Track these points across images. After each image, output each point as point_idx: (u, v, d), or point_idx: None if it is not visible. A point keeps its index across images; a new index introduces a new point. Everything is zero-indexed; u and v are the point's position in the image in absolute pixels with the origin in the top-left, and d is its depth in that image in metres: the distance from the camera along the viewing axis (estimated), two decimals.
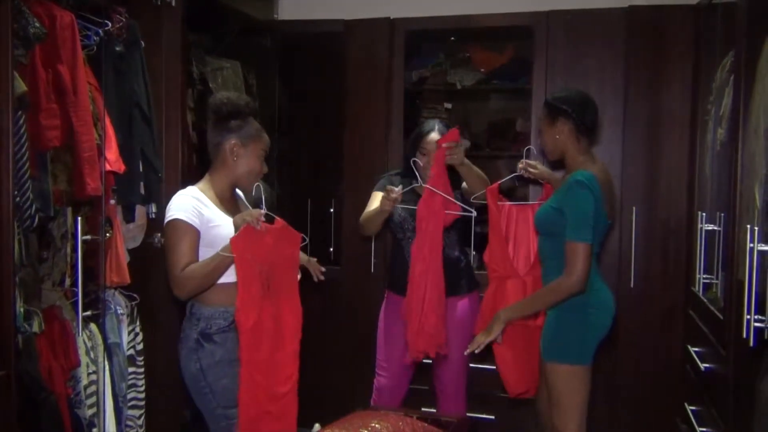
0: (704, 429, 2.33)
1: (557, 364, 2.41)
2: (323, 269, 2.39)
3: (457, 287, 2.75)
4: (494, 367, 3.24)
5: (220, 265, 2.12)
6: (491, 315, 2.45)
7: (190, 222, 2.14)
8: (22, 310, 2.24)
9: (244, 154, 2.25)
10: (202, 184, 2.29)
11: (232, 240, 2.08)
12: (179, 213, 2.14)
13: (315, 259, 2.41)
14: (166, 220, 2.17)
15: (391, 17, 3.58)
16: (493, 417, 3.31)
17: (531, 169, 2.65)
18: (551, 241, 2.42)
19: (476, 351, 2.35)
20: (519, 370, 2.64)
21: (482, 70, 3.80)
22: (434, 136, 2.70)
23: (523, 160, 2.68)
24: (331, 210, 3.68)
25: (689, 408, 2.56)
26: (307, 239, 2.29)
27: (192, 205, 2.17)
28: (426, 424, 2.34)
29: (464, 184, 2.77)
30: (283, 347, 2.22)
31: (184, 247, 2.12)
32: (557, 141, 2.44)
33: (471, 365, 2.98)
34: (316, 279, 2.39)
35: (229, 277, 2.18)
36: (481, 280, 2.93)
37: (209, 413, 2.24)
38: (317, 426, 2.91)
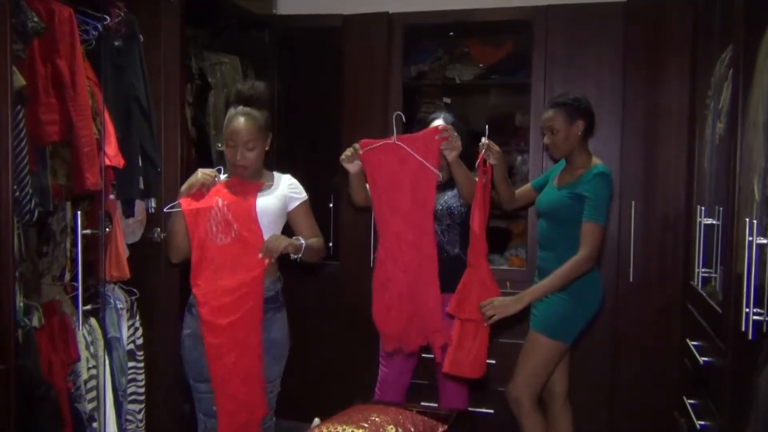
0: (703, 422, 2.34)
1: (541, 335, 2.66)
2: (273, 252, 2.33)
3: (455, 284, 2.70)
4: (494, 361, 3.26)
5: (170, 220, 2.38)
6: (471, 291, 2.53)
7: None
8: (21, 304, 2.24)
9: (224, 137, 2.39)
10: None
11: (181, 199, 2.33)
12: None
13: (283, 244, 2.34)
14: None
15: (390, 12, 3.58)
16: (492, 411, 3.32)
17: (493, 147, 2.59)
18: (561, 226, 2.64)
19: (487, 323, 2.47)
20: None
21: (481, 64, 3.80)
22: (438, 122, 2.72)
23: (487, 140, 2.58)
24: (330, 205, 3.68)
25: (688, 401, 2.57)
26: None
27: None
28: (426, 418, 2.35)
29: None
30: (234, 281, 2.32)
31: None
32: (575, 139, 2.63)
33: None
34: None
35: None
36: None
37: (188, 382, 2.44)
38: (317, 420, 2.92)
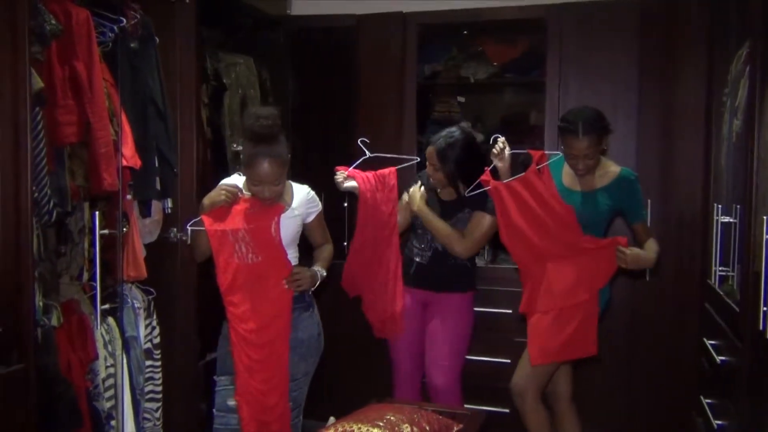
0: (720, 422, 2.32)
1: None
2: (297, 284, 2.42)
3: (453, 284, 2.86)
4: (509, 360, 3.25)
5: (194, 233, 2.42)
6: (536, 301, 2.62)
7: None
8: (41, 303, 2.26)
9: (245, 174, 2.36)
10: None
11: (203, 216, 2.35)
12: None
13: (303, 274, 2.43)
14: None
15: (404, 11, 3.59)
16: (507, 410, 3.31)
17: (507, 154, 2.70)
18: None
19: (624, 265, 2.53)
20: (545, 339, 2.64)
21: (495, 63, 3.79)
22: (429, 149, 2.80)
23: (504, 142, 2.71)
24: (345, 204, 3.68)
25: (705, 401, 2.55)
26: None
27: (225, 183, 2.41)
28: (440, 417, 2.35)
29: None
30: (262, 313, 2.37)
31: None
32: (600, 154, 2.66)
33: (483, 359, 2.99)
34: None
35: None
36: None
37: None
38: (332, 419, 2.93)
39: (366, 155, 2.90)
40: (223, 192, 2.34)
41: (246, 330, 2.36)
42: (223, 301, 2.38)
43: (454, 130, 2.79)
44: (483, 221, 2.76)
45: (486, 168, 2.69)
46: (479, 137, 3.44)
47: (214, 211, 2.36)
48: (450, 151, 2.73)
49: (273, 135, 2.26)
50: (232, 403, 2.40)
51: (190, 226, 2.37)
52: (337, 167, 2.93)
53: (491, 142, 2.73)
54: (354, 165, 2.91)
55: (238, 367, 2.37)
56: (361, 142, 2.90)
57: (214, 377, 2.49)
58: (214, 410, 2.49)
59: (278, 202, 2.39)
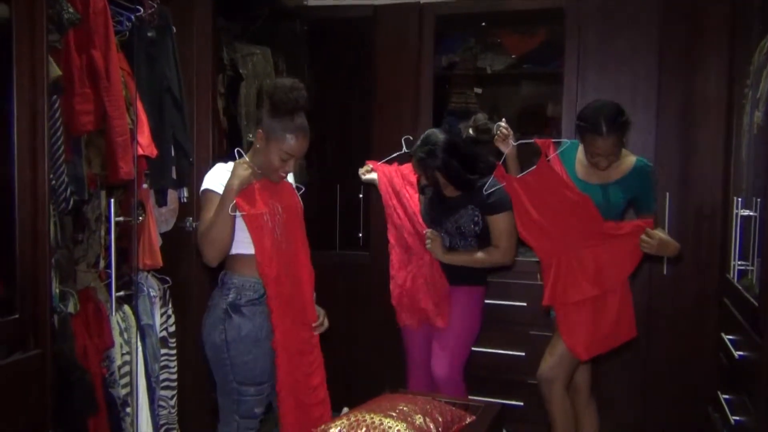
0: (737, 418, 2.29)
1: None
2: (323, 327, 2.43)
3: (462, 278, 2.84)
4: (523, 353, 3.25)
5: (220, 220, 2.14)
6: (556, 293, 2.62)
7: (215, 190, 2.21)
8: (57, 290, 2.29)
9: (265, 147, 2.23)
10: (246, 156, 2.30)
11: (237, 200, 2.14)
12: (207, 183, 2.25)
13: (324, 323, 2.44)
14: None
15: (421, 2, 3.57)
16: (521, 403, 3.30)
17: (512, 141, 2.75)
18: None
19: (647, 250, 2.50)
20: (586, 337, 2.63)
21: (513, 54, 3.77)
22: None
23: (507, 128, 2.75)
24: (360, 195, 3.68)
25: (722, 396, 2.52)
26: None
27: (221, 174, 2.24)
28: (453, 408, 2.34)
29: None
30: (301, 293, 2.34)
31: (207, 214, 2.20)
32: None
33: (498, 351, 2.97)
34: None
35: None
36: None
37: (223, 385, 2.29)
38: (346, 409, 2.94)
39: (402, 151, 2.91)
40: (239, 167, 2.18)
41: (296, 311, 2.30)
42: (268, 290, 2.21)
43: (430, 135, 2.74)
44: (497, 224, 2.75)
45: (497, 162, 2.68)
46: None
47: (242, 196, 2.17)
48: (424, 159, 2.71)
49: (305, 106, 2.22)
50: (258, 410, 2.30)
51: (231, 212, 2.13)
52: (368, 161, 3.06)
53: (495, 130, 2.75)
54: (386, 160, 2.99)
55: (288, 352, 2.24)
56: (405, 139, 2.89)
57: (236, 386, 2.25)
58: (235, 415, 2.28)
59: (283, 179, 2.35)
